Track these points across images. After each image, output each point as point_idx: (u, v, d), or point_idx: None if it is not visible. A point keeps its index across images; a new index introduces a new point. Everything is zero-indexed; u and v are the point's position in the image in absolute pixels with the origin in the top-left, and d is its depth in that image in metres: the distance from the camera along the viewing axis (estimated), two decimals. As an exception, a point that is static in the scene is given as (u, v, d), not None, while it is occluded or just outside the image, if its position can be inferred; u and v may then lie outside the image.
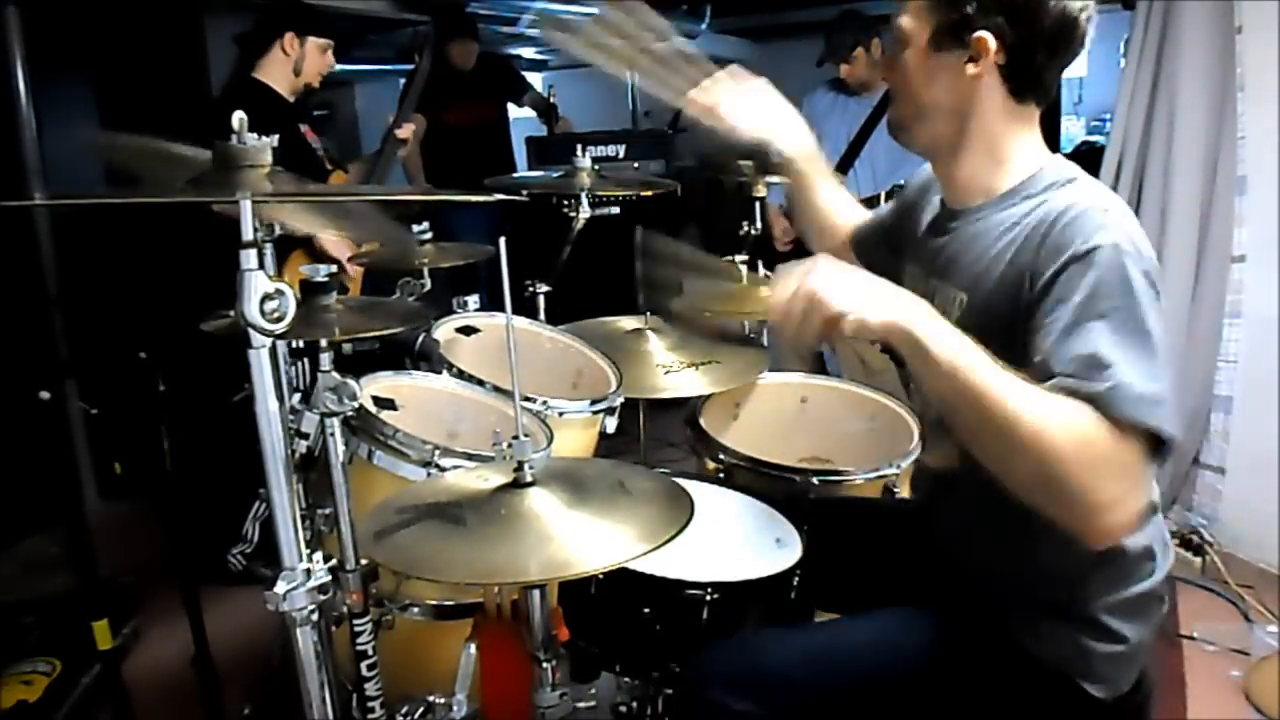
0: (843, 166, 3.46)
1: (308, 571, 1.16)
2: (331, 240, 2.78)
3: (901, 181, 3.11)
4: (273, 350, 1.09)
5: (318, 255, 2.74)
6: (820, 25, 3.60)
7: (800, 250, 2.66)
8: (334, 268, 1.79)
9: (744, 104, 1.54)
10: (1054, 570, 1.23)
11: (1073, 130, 6.17)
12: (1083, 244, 1.11)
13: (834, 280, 1.09)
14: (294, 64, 2.84)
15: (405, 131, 3.06)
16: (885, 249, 1.57)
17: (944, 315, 1.21)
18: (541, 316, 2.31)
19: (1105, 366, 1.04)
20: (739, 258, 2.57)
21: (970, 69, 1.22)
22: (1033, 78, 1.24)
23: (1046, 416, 1.02)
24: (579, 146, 2.28)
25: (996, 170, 1.28)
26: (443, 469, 1.64)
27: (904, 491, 1.91)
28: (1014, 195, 1.26)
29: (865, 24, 3.46)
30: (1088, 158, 4.96)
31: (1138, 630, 1.26)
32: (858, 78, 3.46)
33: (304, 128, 2.94)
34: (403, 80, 6.66)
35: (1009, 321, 1.17)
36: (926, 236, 1.42)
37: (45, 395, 2.07)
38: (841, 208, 1.70)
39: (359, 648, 1.38)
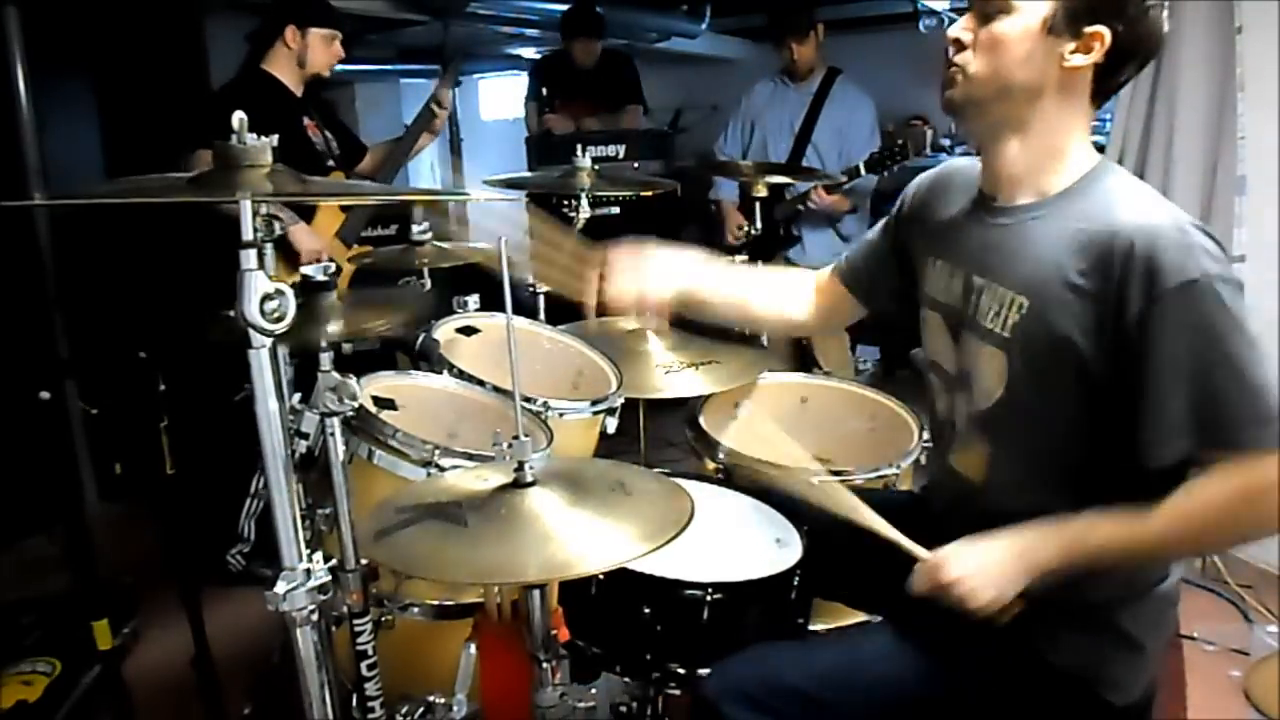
0: (796, 155, 3.49)
1: (308, 571, 1.16)
2: (302, 234, 2.77)
3: (858, 165, 3.18)
4: (273, 350, 1.09)
5: (290, 252, 2.73)
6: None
7: (758, 242, 2.70)
8: (334, 266, 1.79)
9: (654, 274, 1.60)
10: (1074, 579, 1.22)
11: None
12: (1174, 278, 1.11)
13: (970, 575, 1.21)
14: (298, 56, 2.84)
15: (445, 97, 3.08)
16: (890, 266, 1.55)
17: (996, 316, 1.26)
18: (541, 316, 2.31)
19: (1231, 405, 1.11)
20: (739, 258, 2.58)
21: (1074, 60, 1.20)
22: (1116, 84, 1.25)
23: (1187, 521, 1.15)
24: (579, 146, 2.28)
25: (1052, 167, 1.26)
26: (443, 469, 1.64)
27: (905, 488, 1.91)
28: (1070, 196, 1.24)
29: (813, 7, 3.51)
30: (1088, 158, 5.00)
31: (1153, 636, 1.27)
32: (807, 61, 3.49)
33: (308, 121, 2.93)
34: (403, 81, 6.71)
35: (1088, 333, 1.18)
36: (962, 229, 1.37)
37: (45, 395, 2.07)
38: (789, 283, 1.70)
39: (359, 648, 1.38)
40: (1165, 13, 1.21)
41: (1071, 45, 1.20)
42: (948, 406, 1.40)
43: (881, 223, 1.60)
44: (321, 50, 2.87)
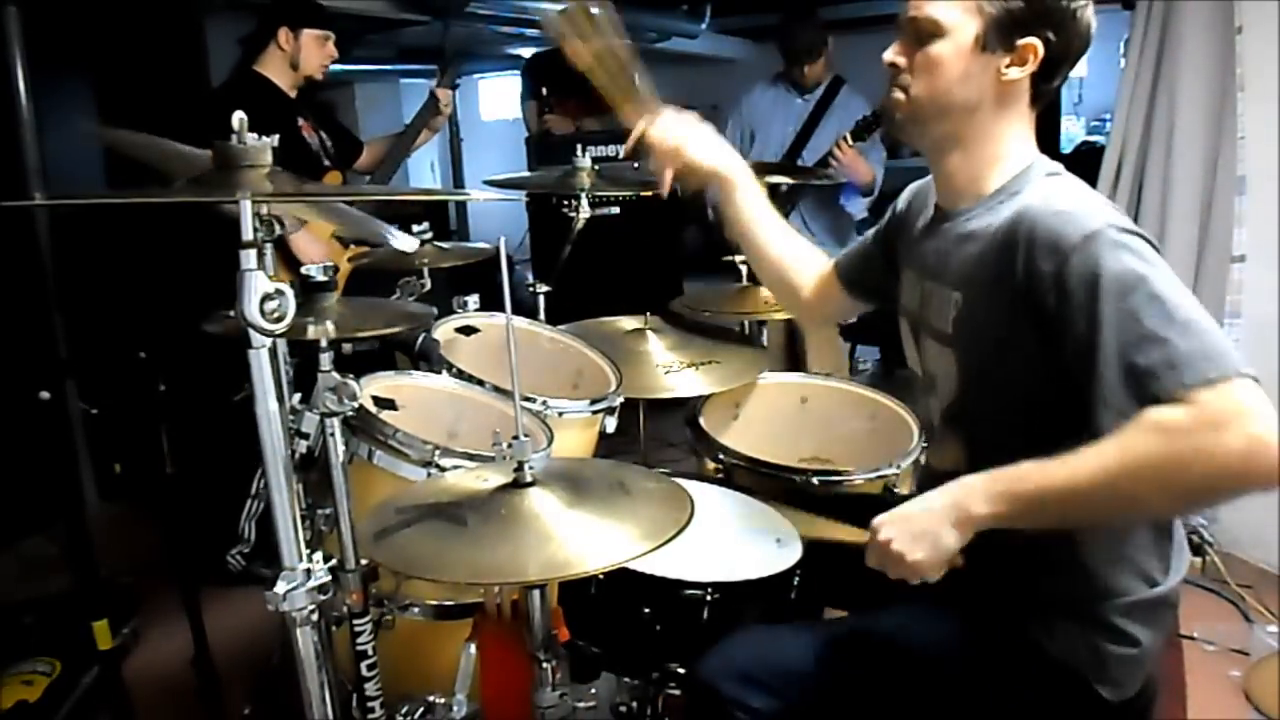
0: (790, 159, 3.50)
1: (308, 571, 1.17)
2: (305, 242, 2.77)
3: (846, 134, 3.19)
4: (273, 350, 1.09)
5: (291, 258, 2.73)
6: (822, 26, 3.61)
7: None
8: (332, 264, 1.79)
9: (703, 139, 1.59)
10: (1069, 570, 1.23)
11: (1072, 130, 6.17)
12: (1075, 233, 1.11)
13: (898, 537, 1.16)
14: (291, 58, 2.84)
15: (445, 96, 3.08)
16: (879, 268, 1.57)
17: (941, 316, 1.29)
18: (541, 316, 2.31)
19: (1166, 345, 1.05)
20: (739, 258, 2.57)
21: (1011, 73, 1.22)
22: (1054, 87, 1.27)
23: (1123, 456, 1.05)
24: (579, 146, 2.28)
25: (993, 171, 1.29)
26: (443, 469, 1.64)
27: (904, 491, 1.92)
28: (1002, 193, 1.27)
29: (822, 24, 3.51)
30: (1088, 158, 4.99)
31: (1150, 634, 1.26)
32: (816, 77, 3.50)
33: (302, 122, 2.93)
34: (403, 81, 6.71)
35: (1007, 315, 1.19)
36: (921, 239, 1.42)
37: (45, 395, 2.07)
38: (803, 252, 1.70)
39: (359, 648, 1.38)
40: (1090, 8, 1.23)
41: (1006, 59, 1.22)
42: (925, 409, 1.44)
43: (874, 228, 1.63)
44: (314, 52, 2.87)
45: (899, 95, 1.29)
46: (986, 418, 1.28)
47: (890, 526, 1.19)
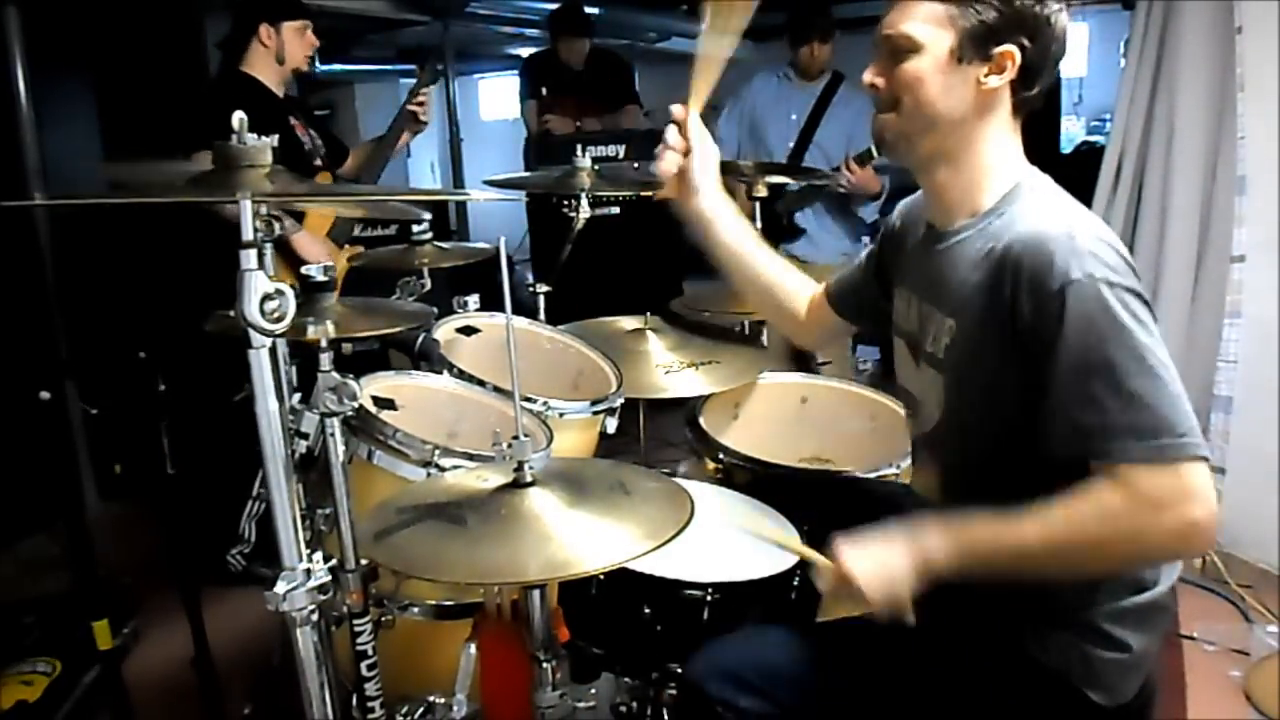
0: (797, 153, 3.50)
1: (308, 571, 1.17)
2: (306, 242, 2.77)
3: (870, 148, 3.17)
4: (273, 350, 1.09)
5: (293, 258, 2.74)
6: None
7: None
8: (331, 264, 1.79)
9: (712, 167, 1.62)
10: (1049, 580, 1.22)
11: (1072, 130, 6.17)
12: (1057, 280, 1.12)
13: (862, 577, 1.20)
14: (275, 53, 2.82)
15: (425, 108, 3.07)
16: (873, 289, 1.57)
17: (935, 340, 1.29)
18: (541, 316, 2.31)
19: (1105, 413, 1.09)
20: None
21: (990, 81, 1.22)
22: (1036, 94, 1.27)
23: (1067, 527, 1.11)
24: (579, 146, 2.28)
25: (984, 185, 1.28)
26: (443, 469, 1.64)
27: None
28: (990, 215, 1.26)
29: (833, 3, 3.52)
30: (1088, 158, 4.98)
31: (1142, 639, 1.26)
32: (821, 62, 3.49)
33: (294, 121, 2.92)
34: (403, 80, 6.72)
35: (997, 349, 1.20)
36: (915, 258, 1.41)
37: (45, 395, 2.07)
38: (793, 278, 1.71)
39: (359, 648, 1.38)
40: (1065, 14, 1.23)
41: (985, 69, 1.22)
42: (911, 430, 1.44)
43: (867, 249, 1.64)
44: (296, 43, 2.85)
45: (886, 116, 1.29)
46: (963, 446, 1.29)
47: (858, 559, 1.21)
